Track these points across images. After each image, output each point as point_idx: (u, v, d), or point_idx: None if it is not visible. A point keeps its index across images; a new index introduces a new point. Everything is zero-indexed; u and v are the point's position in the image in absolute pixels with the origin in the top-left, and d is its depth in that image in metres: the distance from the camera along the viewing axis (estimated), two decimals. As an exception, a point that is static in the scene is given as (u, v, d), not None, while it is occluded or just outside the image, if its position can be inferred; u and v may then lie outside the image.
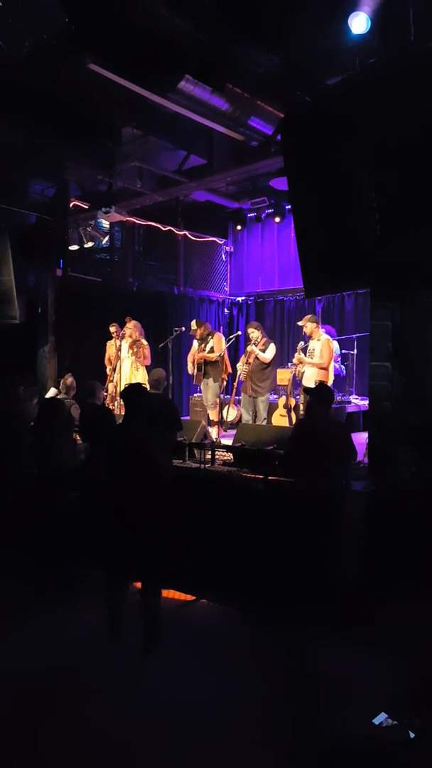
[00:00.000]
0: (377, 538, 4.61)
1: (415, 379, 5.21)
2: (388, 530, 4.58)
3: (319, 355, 7.05)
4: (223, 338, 8.24)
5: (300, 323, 7.47)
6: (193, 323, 8.23)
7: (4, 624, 4.45)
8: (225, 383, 8.21)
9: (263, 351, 7.61)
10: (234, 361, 8.67)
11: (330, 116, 4.98)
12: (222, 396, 8.32)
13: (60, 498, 4.87)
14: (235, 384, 8.28)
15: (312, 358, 7.11)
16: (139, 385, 4.64)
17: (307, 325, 7.26)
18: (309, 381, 7.10)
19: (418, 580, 4.21)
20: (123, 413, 4.67)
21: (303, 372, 7.21)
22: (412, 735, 3.13)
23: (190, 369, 8.19)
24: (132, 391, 4.37)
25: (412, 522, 4.52)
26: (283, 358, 9.70)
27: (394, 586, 4.29)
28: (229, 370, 8.19)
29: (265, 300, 11.61)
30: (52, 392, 7.50)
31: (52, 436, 5.10)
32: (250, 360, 7.68)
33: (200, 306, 11.27)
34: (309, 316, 7.46)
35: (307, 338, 7.33)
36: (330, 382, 6.94)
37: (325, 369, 7.06)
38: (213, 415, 8.02)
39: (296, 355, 7.34)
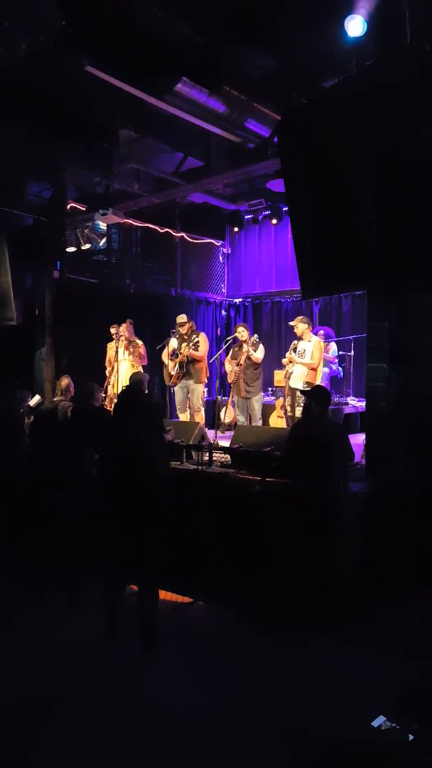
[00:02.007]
0: (375, 539, 4.62)
1: (412, 380, 5.22)
2: (385, 531, 4.59)
3: (311, 356, 7.11)
4: (207, 339, 8.00)
5: (292, 323, 7.46)
6: (184, 317, 7.96)
7: (2, 625, 4.45)
8: (205, 386, 8.07)
9: (254, 351, 7.62)
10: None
11: (327, 118, 4.99)
12: (220, 398, 8.30)
13: (58, 499, 4.87)
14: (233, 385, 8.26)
15: (303, 359, 7.15)
16: (136, 385, 4.64)
17: (299, 326, 7.29)
18: (297, 381, 7.20)
19: (417, 581, 4.21)
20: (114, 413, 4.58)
21: (291, 372, 7.26)
22: (410, 736, 3.13)
23: (171, 367, 7.80)
24: (129, 392, 4.38)
25: (409, 523, 4.53)
26: (280, 359, 9.71)
27: (392, 586, 4.30)
28: (207, 373, 8.03)
29: (263, 301, 11.62)
30: (36, 399, 7.46)
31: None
32: (242, 361, 7.67)
33: (197, 307, 11.26)
34: (301, 317, 7.50)
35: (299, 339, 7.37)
36: (317, 382, 6.97)
37: (314, 370, 7.14)
38: (199, 418, 7.80)
39: (287, 354, 7.36)
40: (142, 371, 5.87)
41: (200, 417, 7.88)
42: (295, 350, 7.27)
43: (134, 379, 5.73)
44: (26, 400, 6.80)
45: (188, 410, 7.91)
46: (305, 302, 10.32)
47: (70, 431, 5.34)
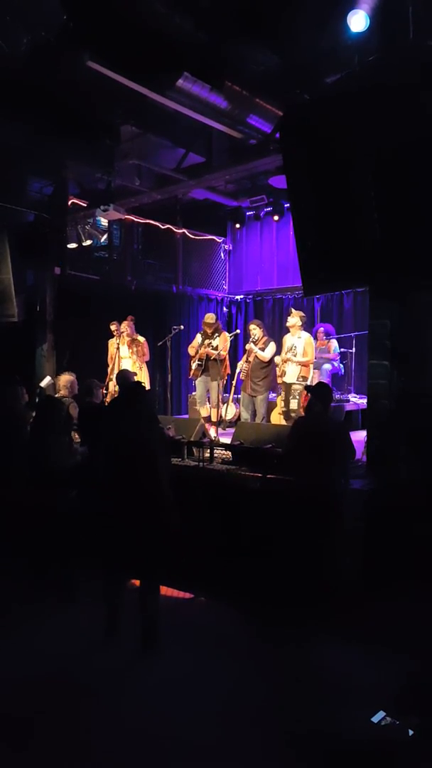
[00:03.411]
0: (376, 537, 4.62)
1: (414, 377, 5.21)
2: (386, 529, 4.59)
3: (303, 353, 7.37)
4: (229, 339, 8.26)
5: (293, 312, 7.61)
6: (213, 316, 8.28)
7: (1, 624, 4.45)
8: (224, 383, 8.23)
9: (263, 350, 7.64)
10: (234, 360, 8.67)
11: (329, 114, 4.97)
12: (222, 395, 8.32)
13: (57, 497, 4.86)
14: (234, 382, 8.28)
15: (294, 356, 7.33)
16: (138, 383, 4.63)
17: (294, 319, 7.49)
18: (291, 377, 7.43)
19: (417, 579, 4.21)
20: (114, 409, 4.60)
21: (285, 370, 7.52)
22: (411, 734, 3.14)
23: (194, 360, 8.22)
24: (130, 389, 4.37)
25: (410, 520, 4.53)
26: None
27: (392, 584, 4.30)
28: (228, 371, 8.23)
29: (264, 298, 11.60)
30: (47, 381, 7.50)
31: (49, 435, 5.08)
32: (250, 358, 7.71)
33: (199, 304, 11.25)
34: (301, 314, 7.62)
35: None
36: (311, 375, 7.30)
37: (307, 366, 7.39)
38: (214, 415, 7.99)
39: (281, 355, 7.58)
40: (129, 370, 5.94)
41: (214, 413, 8.05)
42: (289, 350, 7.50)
43: (124, 376, 5.73)
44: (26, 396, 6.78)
45: (207, 404, 8.21)
46: (307, 299, 10.30)
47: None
